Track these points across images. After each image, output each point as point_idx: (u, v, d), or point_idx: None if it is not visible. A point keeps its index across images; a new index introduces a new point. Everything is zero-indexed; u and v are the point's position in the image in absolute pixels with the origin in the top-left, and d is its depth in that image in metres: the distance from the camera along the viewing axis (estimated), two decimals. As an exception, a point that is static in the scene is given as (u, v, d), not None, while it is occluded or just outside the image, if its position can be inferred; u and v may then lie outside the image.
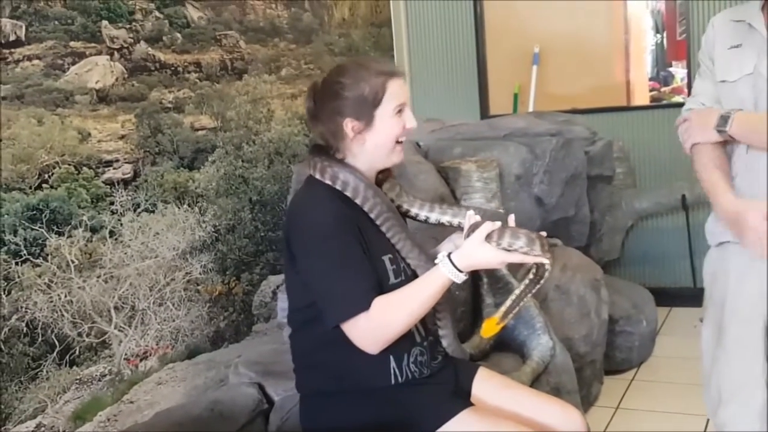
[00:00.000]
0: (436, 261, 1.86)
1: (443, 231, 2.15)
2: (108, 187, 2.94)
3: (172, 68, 3.31)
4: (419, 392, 1.95)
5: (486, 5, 5.05)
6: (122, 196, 2.99)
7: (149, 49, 3.20)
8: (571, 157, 3.79)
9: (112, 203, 2.94)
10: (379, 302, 1.82)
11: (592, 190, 4.04)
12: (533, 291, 1.86)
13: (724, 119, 2.01)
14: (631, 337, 3.87)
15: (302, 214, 1.93)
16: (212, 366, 3.30)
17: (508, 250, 1.80)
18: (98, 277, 2.87)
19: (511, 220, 1.86)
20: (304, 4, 4.20)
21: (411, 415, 1.93)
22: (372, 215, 1.94)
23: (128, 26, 3.09)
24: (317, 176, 1.95)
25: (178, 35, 3.35)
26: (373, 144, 1.94)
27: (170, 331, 3.17)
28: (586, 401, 3.30)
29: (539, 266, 1.84)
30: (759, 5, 2.08)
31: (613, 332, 3.75)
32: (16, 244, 2.59)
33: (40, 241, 2.67)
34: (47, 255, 2.69)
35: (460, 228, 2.00)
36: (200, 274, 3.35)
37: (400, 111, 1.95)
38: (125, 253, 2.98)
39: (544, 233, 1.84)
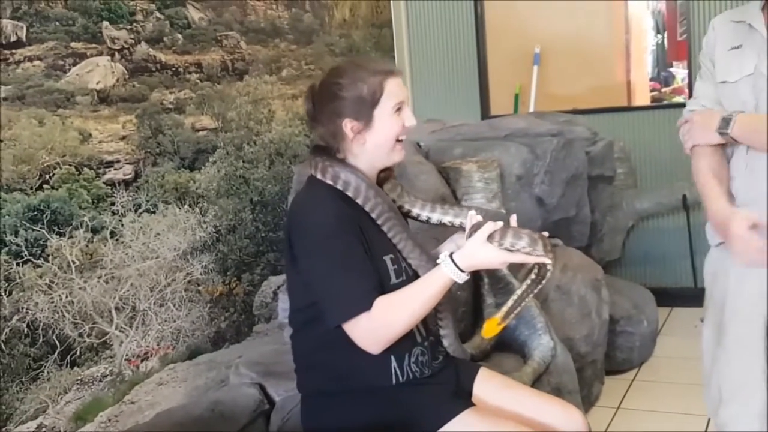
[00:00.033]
0: (438, 261, 1.87)
1: (444, 231, 2.15)
2: (109, 187, 2.94)
3: (173, 69, 3.31)
4: (420, 392, 1.95)
5: (486, 6, 5.05)
6: (123, 197, 2.99)
7: (150, 49, 3.20)
8: (572, 157, 3.79)
9: (113, 204, 2.94)
10: (381, 302, 1.82)
11: (593, 191, 4.04)
12: (535, 291, 1.86)
13: (725, 121, 2.01)
14: (631, 338, 3.87)
15: (304, 215, 1.93)
16: (213, 366, 3.30)
17: (511, 250, 1.80)
18: (99, 277, 2.87)
19: (513, 220, 1.87)
20: (305, 4, 4.21)
21: (412, 415, 1.93)
22: (373, 215, 1.94)
23: (129, 27, 3.09)
24: (318, 176, 1.95)
25: (179, 36, 3.35)
26: (373, 143, 1.94)
27: (171, 331, 3.17)
28: (587, 401, 3.30)
29: (541, 266, 1.84)
30: (759, 5, 2.08)
31: (614, 332, 3.75)
32: (17, 245, 2.60)
33: (41, 242, 2.67)
34: (48, 256, 2.69)
35: (461, 228, 2.00)
36: (201, 274, 3.35)
37: (399, 110, 1.95)
38: (126, 254, 2.98)
39: (546, 233, 1.84)
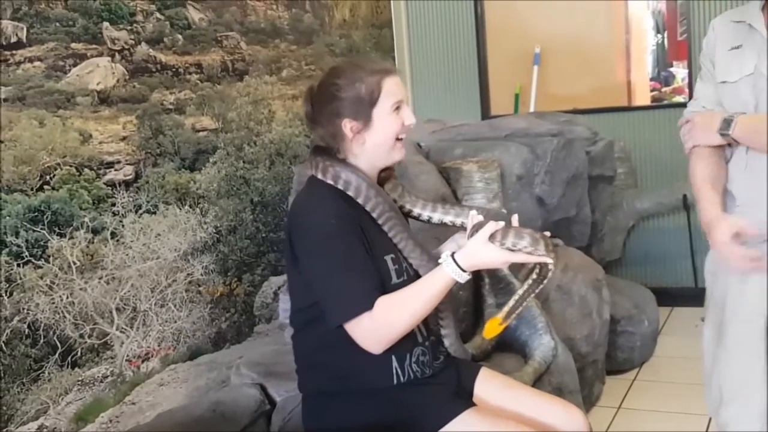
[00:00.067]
0: (439, 261, 1.86)
1: (445, 231, 2.15)
2: (109, 188, 2.94)
3: (173, 69, 3.31)
4: (421, 392, 1.95)
5: (487, 6, 5.05)
6: (124, 198, 2.99)
7: (150, 50, 3.20)
8: (573, 157, 3.79)
9: (113, 205, 2.94)
10: (383, 302, 1.82)
11: (594, 191, 4.04)
12: (536, 291, 1.86)
13: (727, 123, 2.01)
14: (632, 337, 3.87)
15: (305, 215, 1.93)
16: (214, 367, 3.30)
17: (512, 250, 1.80)
18: (100, 278, 2.87)
19: (515, 220, 1.86)
20: (305, 5, 4.21)
21: (413, 416, 1.93)
22: (374, 215, 1.94)
23: (129, 28, 3.10)
24: (319, 176, 1.95)
25: (179, 36, 3.35)
26: (373, 143, 1.94)
27: (172, 332, 3.17)
28: (588, 401, 3.30)
29: (542, 266, 1.84)
30: (759, 5, 2.08)
31: (615, 332, 3.75)
32: (18, 246, 2.60)
33: (41, 243, 2.67)
34: (49, 256, 2.69)
35: (462, 228, 2.00)
36: (202, 275, 3.35)
37: (397, 108, 1.94)
38: (127, 255, 2.98)
39: (548, 233, 1.84)
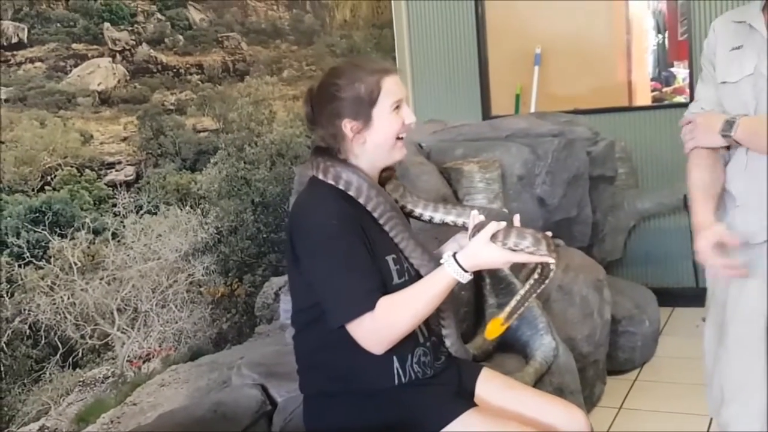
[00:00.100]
0: (441, 261, 1.86)
1: (446, 231, 2.15)
2: (110, 189, 2.94)
3: (174, 70, 3.31)
4: (422, 393, 1.95)
5: (487, 6, 5.05)
6: (125, 198, 2.99)
7: (151, 51, 3.20)
8: (573, 157, 3.79)
9: (114, 205, 2.95)
10: (384, 302, 1.82)
11: (595, 191, 4.04)
12: (538, 291, 1.86)
13: (729, 124, 2.01)
14: (633, 338, 3.87)
15: (306, 215, 1.93)
16: (215, 368, 3.30)
17: (514, 250, 1.80)
18: (101, 279, 2.87)
19: (516, 219, 1.86)
20: (306, 5, 4.21)
21: (414, 416, 1.93)
22: (375, 214, 1.94)
23: (130, 28, 3.10)
24: (320, 176, 1.95)
25: (180, 37, 3.35)
26: (374, 142, 1.93)
27: (173, 332, 3.17)
28: (589, 401, 3.30)
29: (544, 266, 1.84)
30: (760, 6, 2.08)
31: (616, 332, 3.75)
32: (19, 247, 2.60)
33: (42, 244, 2.67)
34: (50, 257, 2.69)
35: (464, 228, 2.00)
36: (203, 275, 3.35)
37: (397, 107, 1.94)
38: (128, 255, 2.98)
39: (549, 233, 1.84)
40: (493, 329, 1.84)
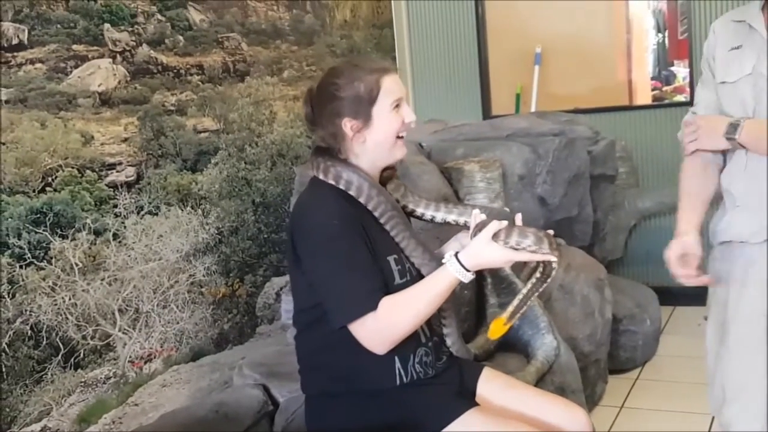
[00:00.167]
0: (443, 261, 1.86)
1: (448, 231, 2.15)
2: (111, 189, 2.94)
3: (175, 71, 3.31)
4: (424, 393, 1.95)
5: (487, 6, 5.05)
6: (125, 199, 2.99)
7: (151, 51, 3.20)
8: (574, 156, 3.79)
9: (115, 206, 2.95)
10: (386, 302, 1.82)
11: (595, 190, 4.04)
12: (540, 290, 1.86)
13: (733, 127, 2.00)
14: (635, 337, 3.87)
15: (307, 216, 1.93)
16: (216, 368, 3.30)
17: (516, 249, 1.80)
18: (102, 279, 2.87)
19: (518, 219, 1.86)
20: (306, 5, 4.21)
21: (416, 416, 1.93)
22: (376, 214, 1.94)
23: (130, 29, 3.10)
24: (321, 176, 1.95)
25: (180, 38, 3.35)
26: (374, 141, 1.93)
27: (174, 333, 3.18)
28: (590, 401, 3.30)
29: (546, 265, 1.84)
30: (759, 5, 2.07)
31: (617, 331, 3.75)
32: (21, 248, 2.60)
33: (44, 245, 2.67)
34: (51, 258, 2.69)
35: (465, 227, 2.00)
36: (204, 276, 3.35)
37: (397, 106, 1.94)
38: (129, 256, 2.98)
39: (551, 231, 1.84)
40: (496, 329, 1.84)
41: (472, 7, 5.07)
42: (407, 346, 1.91)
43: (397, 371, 1.92)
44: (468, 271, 1.82)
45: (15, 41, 2.65)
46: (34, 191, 2.66)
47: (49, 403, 2.67)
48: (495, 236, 1.80)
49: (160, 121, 3.20)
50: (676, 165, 2.28)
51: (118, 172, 2.98)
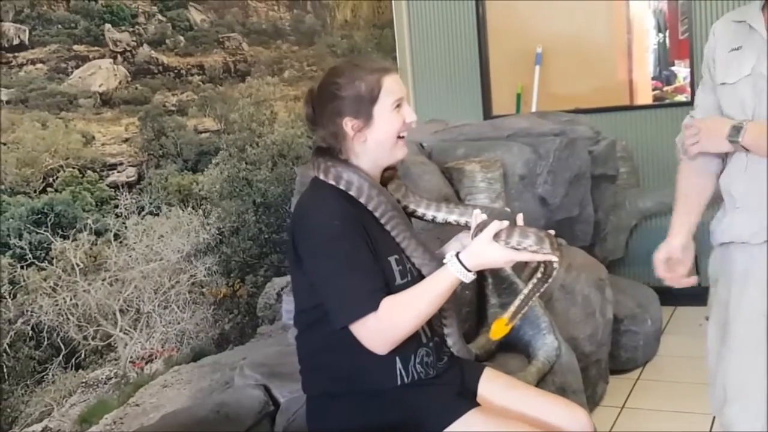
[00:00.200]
0: (444, 261, 1.86)
1: (449, 231, 2.15)
2: (112, 190, 2.94)
3: (175, 71, 3.31)
4: (425, 393, 1.95)
5: (488, 6, 5.05)
6: (126, 199, 2.99)
7: (152, 52, 3.20)
8: (575, 156, 3.79)
9: (116, 206, 2.95)
10: (387, 302, 1.82)
11: (596, 190, 4.04)
12: (541, 290, 1.86)
13: (736, 130, 1.99)
14: (636, 337, 3.87)
15: (308, 216, 1.93)
16: (217, 368, 3.30)
17: (517, 249, 1.80)
18: (103, 280, 2.87)
19: (520, 219, 1.86)
20: (307, 5, 4.21)
21: (417, 416, 1.93)
22: (376, 214, 1.94)
23: (131, 29, 3.10)
24: (321, 177, 1.95)
25: (181, 38, 3.35)
26: (375, 141, 1.93)
27: (175, 333, 3.18)
28: (591, 401, 3.30)
29: (547, 265, 1.84)
30: (759, 5, 2.07)
31: (618, 332, 3.75)
32: (22, 248, 2.60)
33: (45, 245, 2.67)
34: (52, 258, 2.69)
35: (466, 227, 2.00)
36: (205, 276, 3.35)
37: (398, 106, 1.94)
38: (130, 256, 2.98)
39: (552, 231, 1.84)
40: (498, 329, 1.84)
41: (473, 7, 5.07)
42: (408, 346, 1.91)
43: (398, 371, 1.92)
44: (469, 271, 1.82)
45: (16, 41, 2.65)
46: (35, 192, 2.66)
47: (50, 403, 2.67)
48: (496, 236, 1.80)
49: (160, 121, 3.20)
50: (676, 165, 2.28)
51: (119, 172, 2.98)
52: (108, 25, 2.99)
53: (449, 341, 2.10)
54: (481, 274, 2.95)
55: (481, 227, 1.84)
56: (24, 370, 2.59)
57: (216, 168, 3.46)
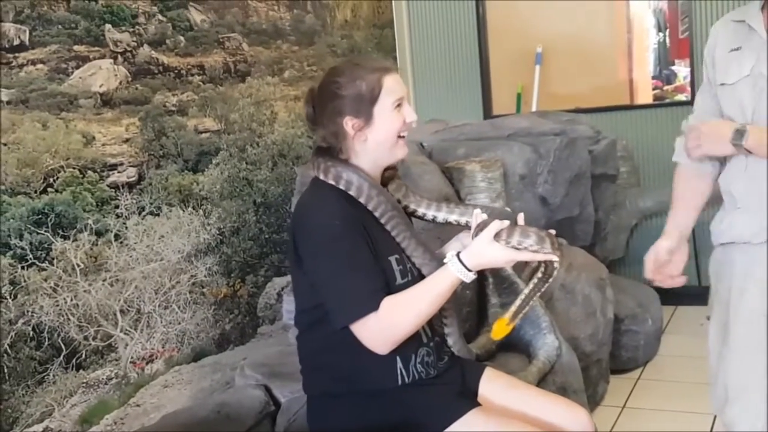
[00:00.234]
0: (444, 260, 1.86)
1: (449, 231, 2.15)
2: (113, 190, 2.94)
3: (176, 71, 3.31)
4: (426, 393, 1.95)
5: (488, 5, 5.05)
6: (127, 200, 2.99)
7: (152, 52, 3.20)
8: (575, 156, 3.79)
9: (117, 207, 2.95)
10: (388, 302, 1.82)
11: (597, 189, 4.04)
12: (542, 290, 1.86)
13: (740, 133, 1.99)
14: (636, 336, 3.87)
15: (308, 216, 1.93)
16: (218, 368, 3.30)
17: (518, 249, 1.80)
18: (104, 280, 2.87)
19: (521, 218, 1.86)
20: (307, 5, 4.21)
21: (418, 416, 1.93)
22: (376, 214, 1.94)
23: (131, 30, 3.10)
24: (321, 177, 1.95)
25: (181, 38, 3.35)
26: (375, 140, 1.93)
27: (176, 333, 3.18)
28: (592, 400, 3.30)
29: (548, 264, 1.84)
30: (759, 5, 2.07)
31: (619, 331, 3.75)
32: (22, 249, 2.60)
33: (45, 245, 2.67)
34: (53, 259, 2.70)
35: (467, 227, 2.00)
36: (205, 276, 3.35)
37: (398, 106, 1.94)
38: (130, 257, 2.99)
39: (553, 231, 1.84)
40: (499, 329, 1.84)
41: (473, 6, 5.07)
42: (409, 346, 1.91)
43: (398, 371, 1.92)
44: (470, 270, 1.82)
45: (16, 42, 2.65)
46: (35, 192, 2.66)
47: (51, 404, 2.67)
48: (497, 236, 1.80)
49: (161, 121, 3.20)
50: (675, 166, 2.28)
51: (119, 172, 2.98)
52: (108, 26, 2.99)
53: (450, 341, 2.10)
54: (481, 274, 2.96)
55: (482, 227, 1.84)
56: (25, 370, 2.59)
57: (216, 168, 3.46)
